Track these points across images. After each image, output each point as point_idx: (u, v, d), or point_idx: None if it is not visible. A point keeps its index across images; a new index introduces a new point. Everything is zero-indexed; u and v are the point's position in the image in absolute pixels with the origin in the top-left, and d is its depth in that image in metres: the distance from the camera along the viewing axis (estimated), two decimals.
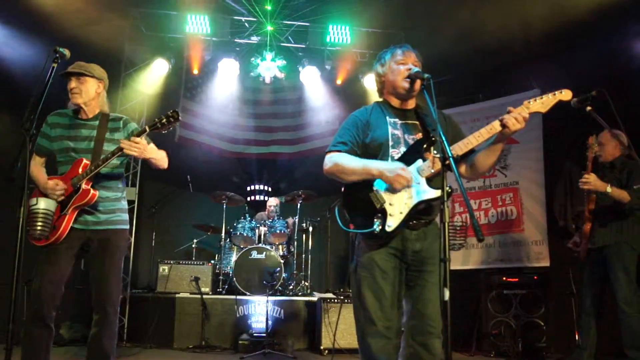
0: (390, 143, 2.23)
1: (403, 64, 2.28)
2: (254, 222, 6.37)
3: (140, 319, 5.42)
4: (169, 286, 5.60)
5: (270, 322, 4.98)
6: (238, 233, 6.17)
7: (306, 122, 7.61)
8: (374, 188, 2.17)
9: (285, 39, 6.74)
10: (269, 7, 6.30)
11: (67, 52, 2.48)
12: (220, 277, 6.05)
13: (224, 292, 5.84)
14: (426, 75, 2.11)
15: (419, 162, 2.15)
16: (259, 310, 5.34)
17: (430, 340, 2.11)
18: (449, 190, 1.82)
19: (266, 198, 7.30)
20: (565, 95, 2.15)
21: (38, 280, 2.63)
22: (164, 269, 5.67)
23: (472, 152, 2.22)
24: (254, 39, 6.71)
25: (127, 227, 2.94)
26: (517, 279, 5.15)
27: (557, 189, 4.41)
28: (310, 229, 6.55)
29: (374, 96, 3.19)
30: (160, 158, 2.84)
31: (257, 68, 6.73)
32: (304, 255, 6.57)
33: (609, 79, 4.33)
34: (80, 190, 2.71)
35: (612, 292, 3.76)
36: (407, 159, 2.18)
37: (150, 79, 6.36)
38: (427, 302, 2.14)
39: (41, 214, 2.56)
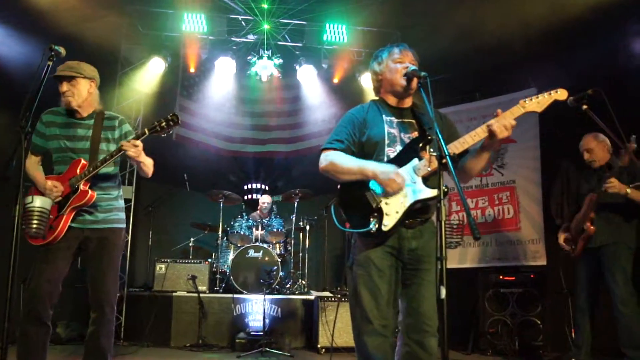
0: (387, 142, 2.23)
1: (400, 62, 2.28)
2: (251, 221, 6.36)
3: (137, 318, 5.41)
4: (166, 285, 5.60)
5: (267, 321, 4.97)
6: (235, 231, 6.17)
7: (303, 121, 7.62)
8: (370, 187, 2.16)
9: (282, 37, 6.73)
10: (265, 6, 6.28)
11: (62, 50, 2.47)
12: (218, 276, 6.05)
13: (221, 290, 5.84)
14: (423, 74, 2.11)
15: (415, 161, 2.15)
16: (256, 309, 5.34)
17: (426, 338, 2.11)
18: (445, 190, 1.81)
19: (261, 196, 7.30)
20: (561, 94, 2.16)
21: (35, 278, 2.63)
22: (161, 267, 5.67)
23: (465, 152, 2.21)
24: (251, 38, 6.69)
25: (124, 225, 2.94)
26: (513, 278, 5.16)
27: (554, 188, 4.41)
28: (307, 227, 6.55)
29: (370, 95, 3.18)
30: (148, 165, 2.84)
31: (254, 67, 6.72)
32: (301, 254, 6.58)
33: (609, 78, 4.33)
34: (79, 191, 2.71)
35: (607, 291, 3.77)
36: (403, 157, 2.17)
37: (147, 77, 6.33)
38: (423, 300, 2.14)
39: (37, 212, 2.55)
